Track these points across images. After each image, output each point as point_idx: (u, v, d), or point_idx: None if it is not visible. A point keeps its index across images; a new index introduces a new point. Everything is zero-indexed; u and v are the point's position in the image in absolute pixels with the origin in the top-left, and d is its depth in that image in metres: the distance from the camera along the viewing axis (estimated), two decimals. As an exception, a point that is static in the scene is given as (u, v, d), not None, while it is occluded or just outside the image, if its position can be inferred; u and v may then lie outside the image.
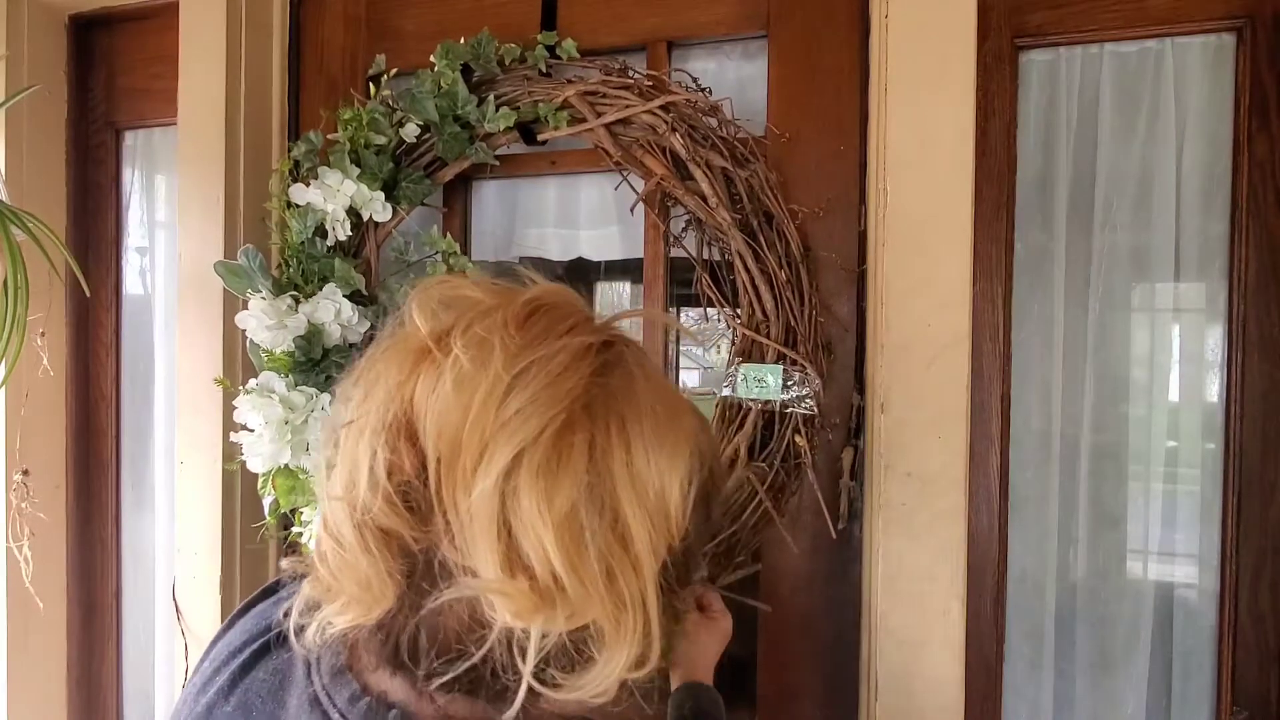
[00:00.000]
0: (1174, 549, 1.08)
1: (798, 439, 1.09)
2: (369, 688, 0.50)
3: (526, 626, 0.41)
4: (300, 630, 0.48)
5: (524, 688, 0.42)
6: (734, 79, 1.23)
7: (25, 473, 1.48)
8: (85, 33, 1.57)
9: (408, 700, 0.49)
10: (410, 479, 0.43)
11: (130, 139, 1.59)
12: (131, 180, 1.60)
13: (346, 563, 0.44)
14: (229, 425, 1.19)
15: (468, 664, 0.44)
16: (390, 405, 0.43)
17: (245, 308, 1.15)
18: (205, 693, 0.55)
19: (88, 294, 1.43)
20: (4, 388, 1.42)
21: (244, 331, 1.16)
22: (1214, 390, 1.06)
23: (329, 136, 1.19)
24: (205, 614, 1.37)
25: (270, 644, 0.55)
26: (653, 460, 0.43)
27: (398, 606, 0.45)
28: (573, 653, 0.43)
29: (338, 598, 0.45)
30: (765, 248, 1.09)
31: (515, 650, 0.42)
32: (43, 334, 1.43)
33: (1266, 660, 1.02)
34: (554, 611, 0.40)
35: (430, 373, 0.43)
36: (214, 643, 0.60)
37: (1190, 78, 1.06)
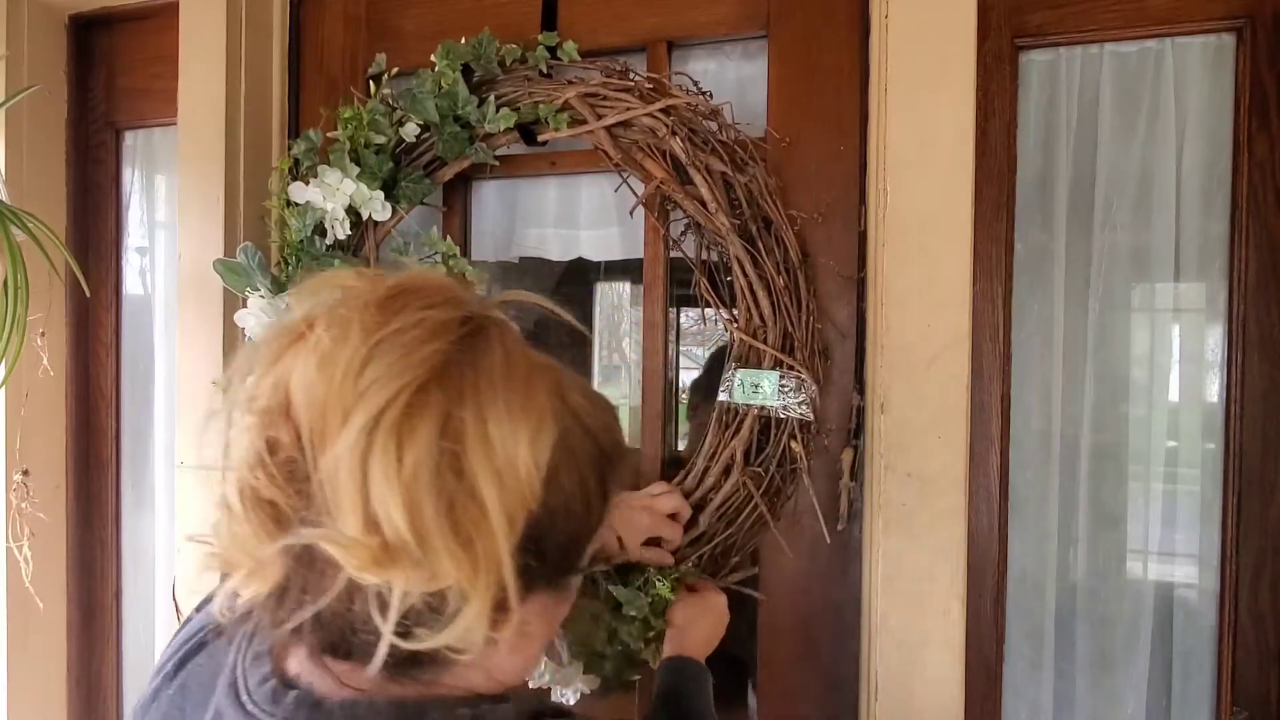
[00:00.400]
0: (1174, 549, 1.08)
1: (793, 444, 1.09)
2: (278, 669, 0.53)
3: (377, 582, 0.43)
4: (209, 604, 0.51)
5: (384, 644, 0.44)
6: (734, 79, 1.23)
7: (25, 473, 1.48)
8: (85, 33, 1.57)
9: (310, 676, 0.52)
10: (292, 454, 0.45)
11: (130, 139, 1.59)
12: (131, 180, 1.60)
13: (235, 534, 0.46)
14: (229, 425, 1.19)
15: (348, 629, 0.47)
16: (269, 384, 0.46)
17: (245, 306, 1.15)
18: (155, 678, 0.60)
19: (88, 294, 1.43)
20: (4, 388, 1.42)
21: (244, 330, 1.16)
22: (1214, 390, 1.06)
23: (329, 135, 1.19)
24: (205, 614, 1.37)
25: (215, 632, 0.59)
26: (505, 426, 0.45)
27: (289, 580, 0.47)
28: (435, 611, 0.45)
29: (235, 570, 0.47)
30: (763, 253, 1.09)
31: (377, 611, 0.45)
32: (43, 334, 1.43)
33: (1266, 660, 1.02)
34: (397, 568, 0.43)
35: (300, 352, 0.46)
36: (176, 634, 0.64)
37: (1190, 78, 1.06)
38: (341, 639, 0.49)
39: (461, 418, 0.44)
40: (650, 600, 1.03)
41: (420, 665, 0.50)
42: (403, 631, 0.45)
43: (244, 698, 0.53)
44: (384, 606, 0.44)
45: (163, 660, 0.62)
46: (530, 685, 1.11)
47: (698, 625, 0.99)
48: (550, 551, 0.51)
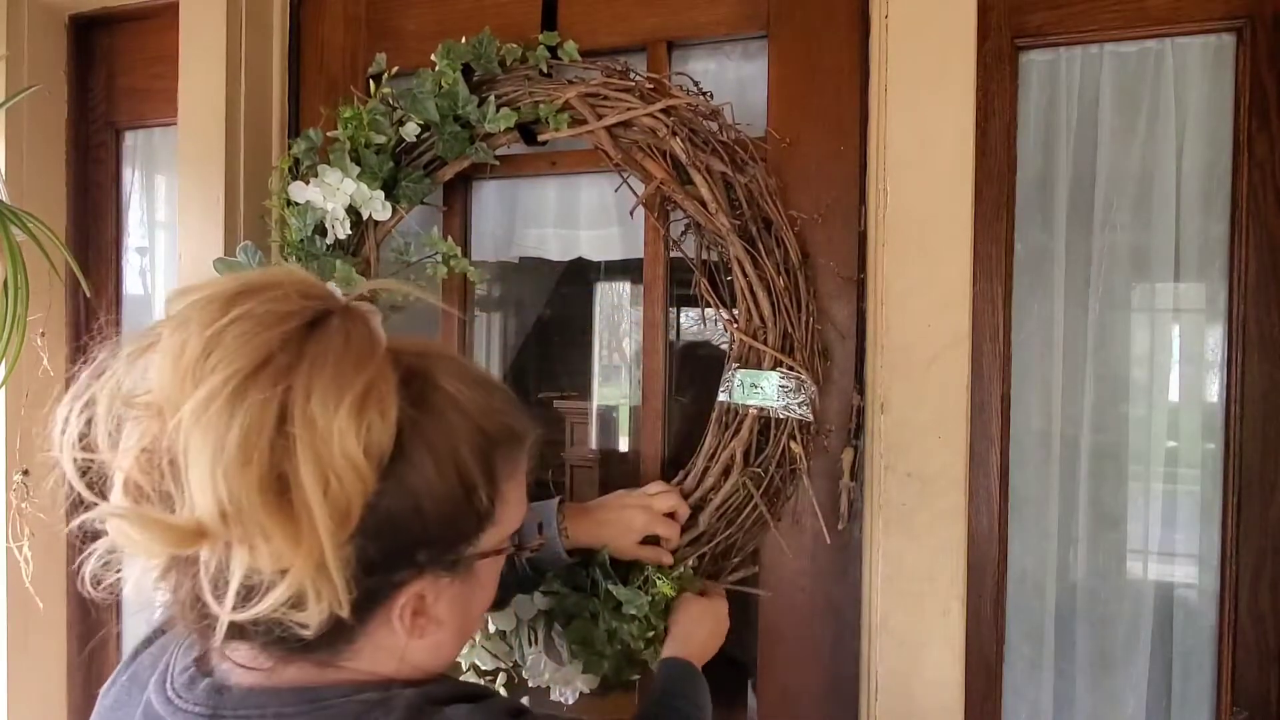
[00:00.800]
0: (1174, 549, 1.08)
1: (793, 445, 1.09)
2: (202, 657, 0.57)
3: (192, 555, 0.47)
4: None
5: (224, 618, 0.47)
6: (734, 79, 1.23)
7: (25, 473, 1.48)
8: (85, 33, 1.57)
9: (223, 664, 0.57)
10: (153, 443, 0.48)
11: (130, 139, 1.59)
12: (131, 180, 1.60)
13: (128, 517, 0.49)
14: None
15: (191, 605, 0.50)
16: (138, 381, 0.50)
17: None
18: (118, 668, 0.66)
19: (88, 294, 1.43)
20: (4, 388, 1.42)
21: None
22: (1214, 390, 1.06)
23: (329, 135, 1.19)
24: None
25: (170, 623, 0.62)
26: (330, 410, 0.46)
27: (170, 566, 0.51)
28: (265, 585, 0.47)
29: (133, 550, 0.50)
30: (764, 254, 1.09)
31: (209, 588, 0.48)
32: (43, 334, 1.43)
33: (1266, 660, 1.02)
34: (208, 545, 0.46)
35: (155, 351, 0.49)
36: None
37: (1190, 78, 1.06)
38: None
39: (286, 403, 0.46)
40: (650, 599, 1.03)
41: (311, 648, 0.52)
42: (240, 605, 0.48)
43: (167, 686, 0.57)
44: (223, 584, 0.47)
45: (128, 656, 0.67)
46: (531, 684, 1.11)
47: (698, 628, 0.99)
48: (422, 538, 0.53)
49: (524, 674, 1.10)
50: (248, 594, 0.47)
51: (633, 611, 1.03)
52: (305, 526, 0.46)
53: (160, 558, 0.49)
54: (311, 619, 0.48)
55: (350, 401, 0.47)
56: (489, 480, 0.56)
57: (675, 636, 0.98)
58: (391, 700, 0.53)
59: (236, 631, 0.51)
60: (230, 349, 0.46)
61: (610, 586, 1.04)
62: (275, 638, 0.51)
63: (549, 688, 1.09)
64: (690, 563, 1.09)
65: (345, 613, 0.48)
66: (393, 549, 0.52)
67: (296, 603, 0.47)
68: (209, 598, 0.47)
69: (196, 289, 0.50)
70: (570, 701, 1.09)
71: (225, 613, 0.47)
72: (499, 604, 1.03)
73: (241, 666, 0.56)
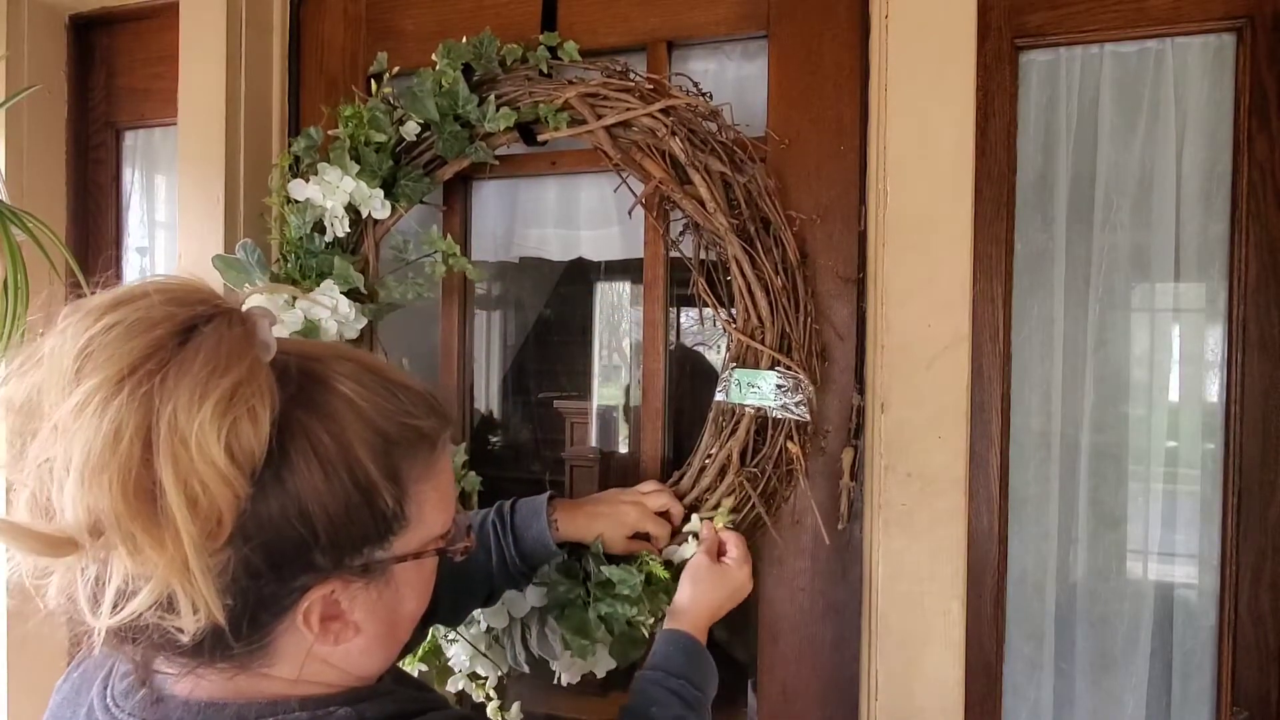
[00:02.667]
0: (1174, 549, 1.08)
1: (790, 445, 1.09)
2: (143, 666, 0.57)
3: (54, 563, 0.47)
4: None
5: (100, 624, 0.47)
6: (734, 79, 1.23)
7: (25, 473, 1.48)
8: (85, 33, 1.57)
9: (161, 674, 0.57)
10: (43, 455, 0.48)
11: (130, 139, 1.59)
12: (131, 180, 1.60)
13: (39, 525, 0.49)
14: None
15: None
16: (23, 391, 0.50)
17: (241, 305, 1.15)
18: (73, 661, 0.66)
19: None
20: (4, 388, 1.41)
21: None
22: (1214, 390, 1.06)
23: (329, 133, 1.19)
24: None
25: None
26: (194, 415, 0.45)
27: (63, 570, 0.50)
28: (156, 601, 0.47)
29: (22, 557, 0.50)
30: (762, 254, 1.09)
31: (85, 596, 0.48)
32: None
33: (1266, 660, 1.02)
34: (76, 554, 0.45)
35: (40, 364, 0.49)
36: None
37: (1190, 78, 1.06)
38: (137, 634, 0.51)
39: (150, 409, 0.45)
40: (644, 578, 1.02)
41: (222, 656, 0.53)
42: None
43: (107, 694, 0.58)
44: (100, 591, 0.47)
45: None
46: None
47: (706, 601, 0.96)
48: (314, 542, 0.51)
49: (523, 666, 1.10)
50: (119, 600, 0.47)
51: (626, 591, 1.02)
52: (169, 533, 0.45)
53: (45, 564, 0.48)
54: (186, 624, 0.47)
55: (213, 405, 0.46)
56: (393, 482, 0.54)
57: (677, 604, 0.96)
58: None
59: (118, 639, 0.51)
60: (99, 358, 0.46)
61: (602, 568, 1.03)
62: (172, 645, 0.50)
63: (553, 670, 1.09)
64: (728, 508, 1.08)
65: (221, 619, 0.48)
66: (281, 554, 0.51)
67: (169, 608, 0.47)
68: (82, 604, 0.48)
69: (83, 303, 0.50)
70: (574, 682, 1.08)
71: (101, 618, 0.47)
72: (488, 600, 1.02)
73: (173, 675, 0.55)
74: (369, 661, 0.59)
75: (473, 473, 1.22)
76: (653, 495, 1.08)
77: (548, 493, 1.03)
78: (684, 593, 0.97)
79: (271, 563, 0.50)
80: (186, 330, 0.48)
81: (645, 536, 1.06)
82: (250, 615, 0.51)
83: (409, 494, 0.56)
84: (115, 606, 0.46)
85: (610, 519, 1.04)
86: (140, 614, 0.46)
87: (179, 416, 0.45)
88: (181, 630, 0.47)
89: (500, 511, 1.01)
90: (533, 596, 1.07)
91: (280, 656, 0.55)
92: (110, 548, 0.45)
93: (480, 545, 0.98)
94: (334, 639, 0.55)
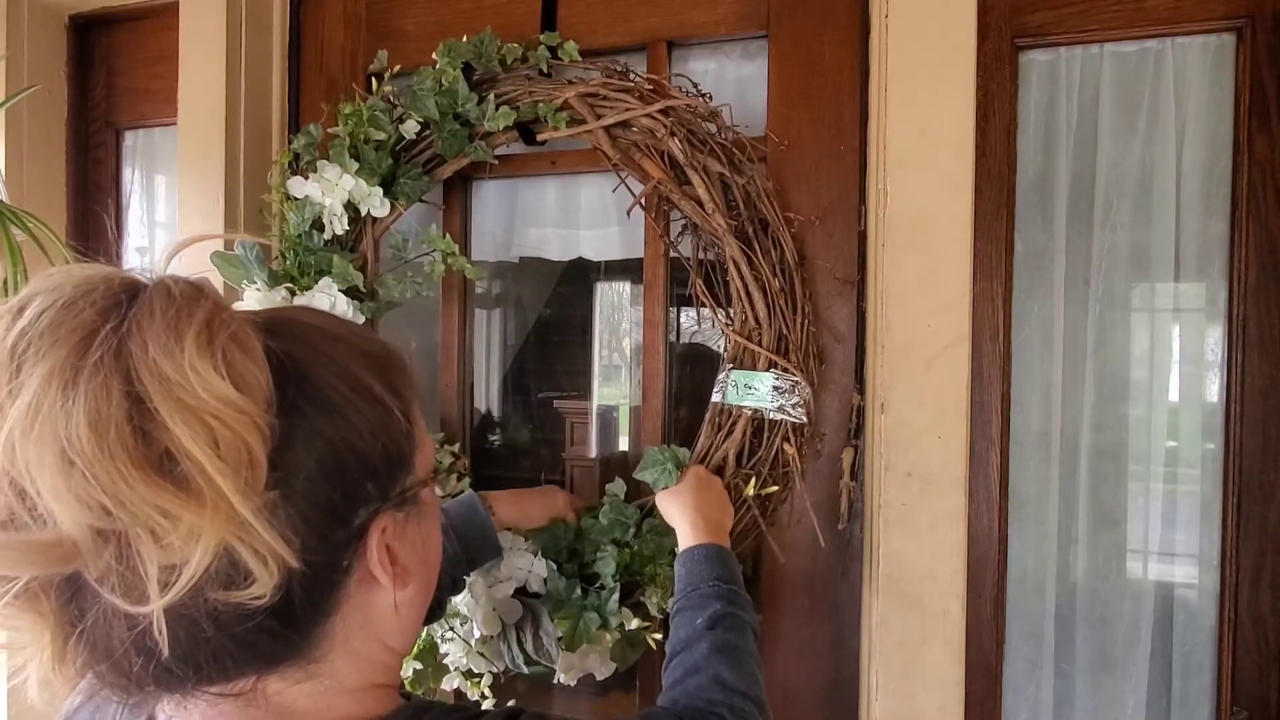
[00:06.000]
0: (1174, 549, 1.08)
1: (786, 447, 1.09)
2: (150, 709, 0.52)
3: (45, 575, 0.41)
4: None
5: (157, 606, 0.41)
6: (734, 79, 1.23)
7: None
8: (85, 33, 1.57)
9: (177, 715, 0.51)
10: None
11: (130, 139, 1.59)
12: (131, 180, 1.60)
13: None
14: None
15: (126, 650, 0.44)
16: None
17: (242, 300, 1.15)
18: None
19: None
20: (4, 387, 1.41)
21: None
22: (1214, 390, 1.06)
23: (329, 131, 1.19)
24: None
25: None
26: (178, 356, 0.41)
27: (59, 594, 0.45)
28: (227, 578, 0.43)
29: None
30: (760, 255, 1.09)
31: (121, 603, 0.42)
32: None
33: (1266, 660, 1.02)
34: (79, 558, 0.40)
35: None
36: None
37: (1190, 78, 1.06)
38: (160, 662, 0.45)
39: (126, 369, 0.40)
40: (638, 512, 1.08)
41: (277, 656, 0.48)
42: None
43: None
44: (138, 586, 0.41)
45: None
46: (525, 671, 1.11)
47: (692, 499, 0.97)
48: (366, 465, 0.49)
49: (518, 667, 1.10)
50: (169, 579, 0.41)
51: (616, 535, 1.07)
52: (204, 488, 0.40)
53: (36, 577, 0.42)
54: (261, 582, 0.42)
55: (193, 341, 0.41)
56: (397, 397, 0.52)
57: (678, 530, 0.96)
58: None
59: (169, 679, 0.45)
60: (42, 345, 0.40)
61: (592, 520, 1.09)
62: (232, 655, 0.45)
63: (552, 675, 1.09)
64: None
65: (296, 561, 0.43)
66: (338, 486, 0.47)
67: (232, 579, 0.42)
68: (120, 601, 0.41)
69: None
70: (572, 684, 1.08)
71: (153, 600, 0.40)
72: (433, 611, 0.98)
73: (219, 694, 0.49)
74: (414, 619, 0.56)
75: (466, 479, 1.24)
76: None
77: (468, 490, 1.07)
78: (672, 516, 0.99)
79: (339, 497, 0.47)
80: (130, 291, 0.43)
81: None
82: (328, 573, 0.47)
83: (411, 411, 0.54)
84: (166, 587, 0.41)
85: (541, 499, 1.12)
86: (197, 581, 0.41)
87: (163, 364, 0.40)
88: (259, 596, 0.42)
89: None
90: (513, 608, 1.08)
91: (336, 644, 0.50)
92: (132, 539, 0.40)
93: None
94: (401, 583, 0.52)
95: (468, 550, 1.00)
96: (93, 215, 1.60)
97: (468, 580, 1.04)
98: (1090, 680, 1.11)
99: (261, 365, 0.44)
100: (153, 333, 0.41)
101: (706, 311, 1.15)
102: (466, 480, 1.23)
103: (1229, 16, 1.03)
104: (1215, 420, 1.06)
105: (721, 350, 1.16)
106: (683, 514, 0.98)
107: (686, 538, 0.94)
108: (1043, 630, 1.12)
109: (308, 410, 0.47)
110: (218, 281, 1.31)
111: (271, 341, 0.47)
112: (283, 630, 0.47)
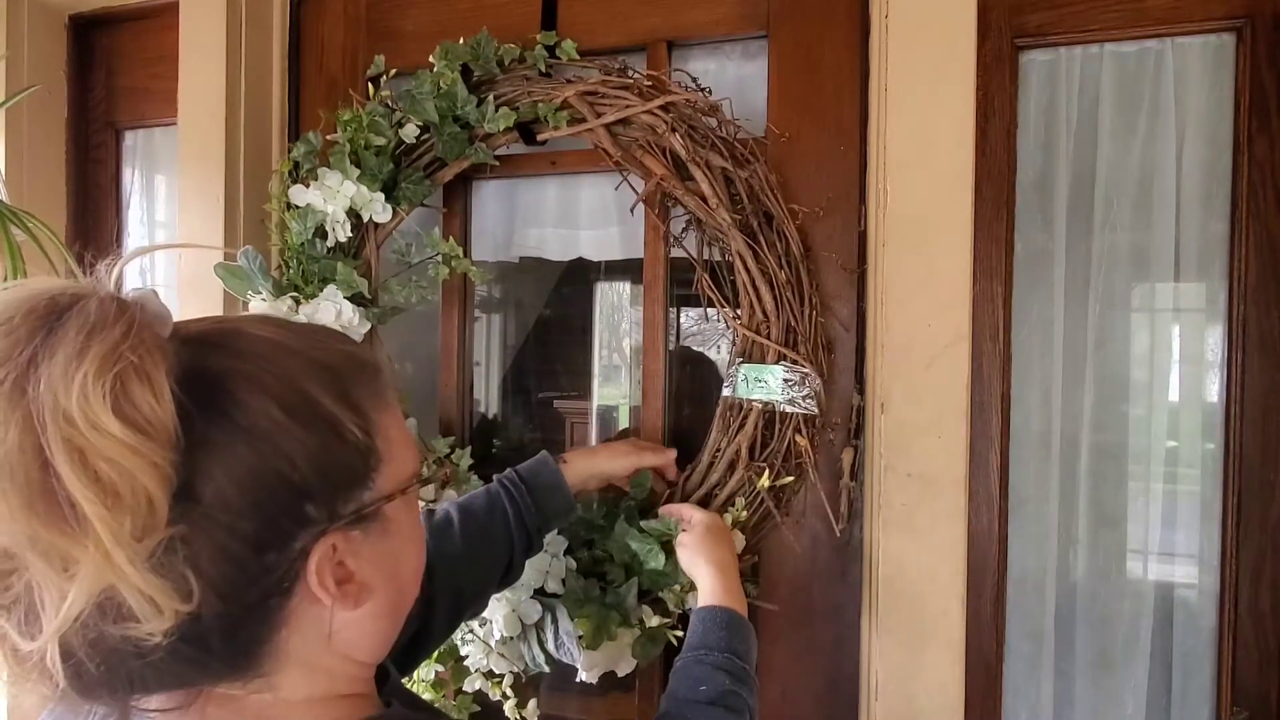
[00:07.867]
0: (1174, 549, 1.08)
1: (799, 439, 1.09)
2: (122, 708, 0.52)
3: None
4: None
5: (42, 641, 0.41)
6: (734, 79, 1.23)
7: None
8: (85, 33, 1.57)
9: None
10: None
11: (130, 139, 1.59)
12: (131, 180, 1.60)
13: None
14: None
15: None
16: None
17: (245, 309, 1.14)
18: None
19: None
20: (4, 388, 1.41)
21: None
22: (1214, 390, 1.06)
23: (328, 137, 1.19)
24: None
25: None
26: (71, 388, 0.40)
27: None
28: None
29: None
30: (765, 248, 1.09)
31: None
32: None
33: (1266, 660, 1.02)
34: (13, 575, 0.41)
35: None
36: None
37: (1190, 78, 1.06)
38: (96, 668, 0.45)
39: (24, 400, 0.40)
40: (668, 538, 1.05)
41: (237, 668, 0.48)
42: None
43: None
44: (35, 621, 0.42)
45: None
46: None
47: (715, 556, 0.97)
48: (301, 488, 0.47)
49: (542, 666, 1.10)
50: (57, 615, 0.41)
51: (653, 564, 1.05)
52: (88, 529, 0.40)
53: None
54: (153, 625, 0.42)
55: (92, 370, 0.40)
56: (354, 412, 0.50)
57: (700, 585, 0.97)
58: None
59: (102, 696, 0.46)
60: None
61: (629, 540, 1.07)
62: (160, 668, 0.45)
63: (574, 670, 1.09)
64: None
65: (189, 607, 0.43)
66: (271, 513, 0.46)
67: (125, 614, 0.42)
68: (15, 637, 0.42)
69: None
70: (594, 681, 1.08)
71: (41, 638, 0.41)
72: (507, 573, 0.99)
73: (160, 711, 0.49)
74: (380, 631, 0.55)
75: (475, 476, 1.23)
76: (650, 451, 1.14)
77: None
78: (697, 571, 0.98)
79: (264, 526, 0.46)
80: (53, 316, 0.42)
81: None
82: (259, 598, 0.47)
83: (374, 424, 0.52)
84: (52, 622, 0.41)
85: (609, 452, 1.11)
86: (85, 617, 0.41)
87: (58, 395, 0.40)
88: (151, 634, 0.42)
89: (503, 475, 1.02)
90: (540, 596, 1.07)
91: (288, 659, 0.50)
92: (36, 573, 0.40)
93: (493, 509, 0.98)
94: (353, 602, 0.51)
95: (540, 505, 1.00)
96: (93, 215, 1.60)
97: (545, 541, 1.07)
98: (1090, 680, 1.11)
99: (163, 399, 0.43)
100: (56, 363, 0.40)
101: (712, 310, 1.15)
102: (449, 491, 1.21)
103: (1229, 17, 1.03)
104: (1215, 420, 1.06)
105: (720, 353, 1.16)
106: (706, 567, 0.97)
107: (707, 592, 0.94)
108: (1042, 630, 1.12)
109: (229, 439, 0.45)
110: (217, 294, 1.31)
111: (204, 360, 0.46)
112: (212, 652, 0.47)
